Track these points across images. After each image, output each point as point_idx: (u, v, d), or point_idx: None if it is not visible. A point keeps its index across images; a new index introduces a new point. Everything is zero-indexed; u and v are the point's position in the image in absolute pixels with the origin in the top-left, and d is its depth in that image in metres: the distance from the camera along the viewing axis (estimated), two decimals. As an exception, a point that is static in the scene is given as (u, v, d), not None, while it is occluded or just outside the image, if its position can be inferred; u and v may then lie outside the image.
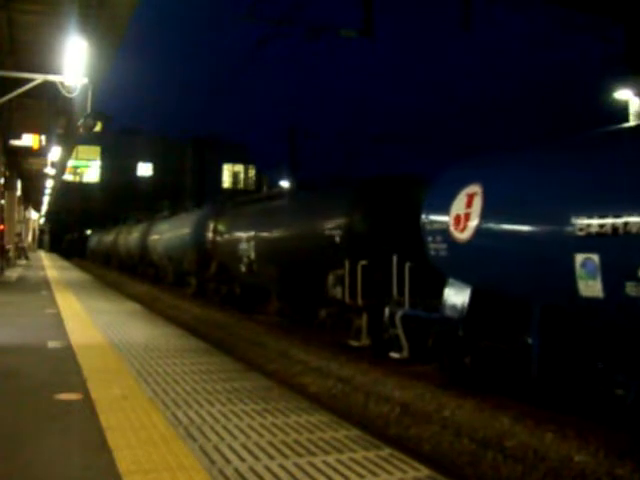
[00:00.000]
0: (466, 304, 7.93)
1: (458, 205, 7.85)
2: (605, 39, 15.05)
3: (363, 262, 10.38)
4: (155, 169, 70.55)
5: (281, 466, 3.97)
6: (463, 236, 7.72)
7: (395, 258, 9.54)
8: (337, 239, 11.17)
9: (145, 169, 71.12)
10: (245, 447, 4.31)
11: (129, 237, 34.38)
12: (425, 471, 3.97)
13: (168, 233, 25.18)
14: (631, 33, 14.53)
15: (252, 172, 72.93)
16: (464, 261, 7.98)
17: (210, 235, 18.97)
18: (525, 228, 7.04)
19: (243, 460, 4.06)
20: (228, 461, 4.03)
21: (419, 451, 6.38)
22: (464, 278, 8.08)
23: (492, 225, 7.43)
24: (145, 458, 4.04)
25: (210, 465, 3.95)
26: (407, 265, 9.27)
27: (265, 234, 14.66)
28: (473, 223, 7.57)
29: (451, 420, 7.24)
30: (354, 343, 10.58)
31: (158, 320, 11.73)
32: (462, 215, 7.76)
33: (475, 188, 7.63)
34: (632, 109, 14.75)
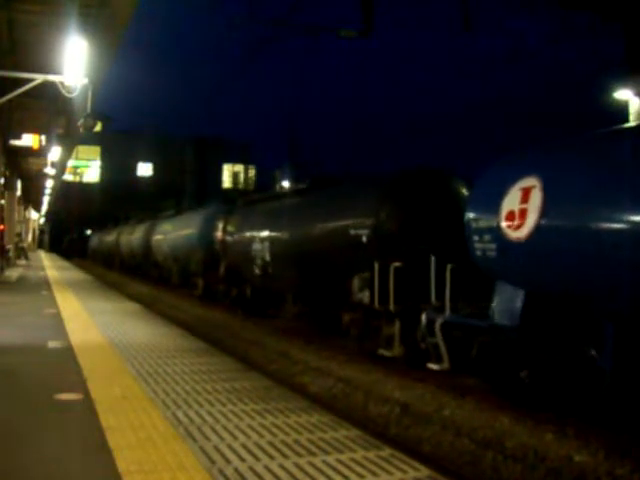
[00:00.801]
0: (519, 310, 7.09)
1: (511, 200, 7.07)
2: (605, 39, 15.06)
3: (396, 264, 9.51)
4: (155, 169, 70.54)
5: (281, 466, 3.97)
6: (518, 234, 6.92)
7: (434, 259, 8.81)
8: (364, 239, 10.29)
9: (145, 169, 71.13)
10: (245, 447, 4.31)
11: (132, 237, 33.38)
12: (425, 471, 3.97)
13: (173, 233, 24.37)
14: (631, 33, 14.53)
15: (252, 172, 72.94)
16: (518, 262, 7.16)
17: (219, 235, 18.01)
18: (597, 225, 6.16)
19: (243, 460, 4.06)
20: (228, 461, 4.03)
21: (419, 451, 6.38)
22: (517, 281, 7.27)
23: (555, 222, 6.61)
24: (145, 458, 4.04)
25: (210, 465, 3.95)
26: (449, 267, 8.35)
27: (282, 234, 13.67)
28: (531, 220, 6.74)
29: (451, 420, 7.25)
30: (386, 353, 9.72)
31: (158, 320, 11.73)
32: (516, 211, 6.96)
33: (532, 181, 6.86)
34: (632, 109, 14.75)
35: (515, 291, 7.22)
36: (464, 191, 10.20)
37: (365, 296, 10.16)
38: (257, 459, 4.08)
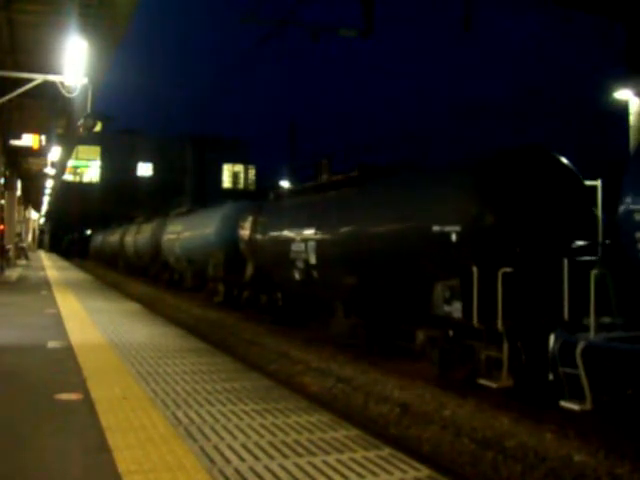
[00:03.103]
0: None
1: None
2: (606, 39, 15.06)
3: (506, 269, 7.53)
4: (155, 169, 70.55)
5: (281, 466, 3.97)
6: None
7: (566, 262, 7.17)
8: (453, 237, 8.26)
9: (145, 169, 71.13)
10: (245, 447, 4.31)
11: (138, 237, 31.21)
12: (425, 471, 3.97)
13: (187, 232, 22.12)
14: (631, 33, 14.53)
15: (252, 172, 72.95)
16: None
17: (246, 234, 15.75)
18: None
19: (243, 460, 4.06)
20: (228, 461, 4.03)
21: (419, 451, 6.38)
22: None
23: None
24: (145, 458, 4.04)
25: (210, 465, 3.95)
26: (593, 273, 6.60)
27: (332, 232, 11.53)
28: None
29: (451, 420, 7.24)
30: (491, 384, 7.71)
31: (158, 320, 11.72)
32: None
33: None
34: (632, 109, 14.74)
35: None
36: (578, 174, 8.59)
37: (455, 309, 8.25)
38: (257, 459, 4.08)
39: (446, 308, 8.42)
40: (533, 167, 8.36)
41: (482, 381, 7.85)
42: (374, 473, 3.90)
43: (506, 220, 8.06)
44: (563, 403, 6.67)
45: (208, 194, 53.82)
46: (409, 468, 4.00)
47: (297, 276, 12.67)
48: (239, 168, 72.84)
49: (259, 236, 14.98)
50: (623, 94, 15.00)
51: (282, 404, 5.48)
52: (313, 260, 11.97)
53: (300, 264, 12.43)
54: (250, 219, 15.70)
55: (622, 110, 15.09)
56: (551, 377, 6.88)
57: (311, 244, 12.06)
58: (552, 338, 6.85)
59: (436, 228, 8.60)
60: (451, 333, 8.50)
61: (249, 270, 15.70)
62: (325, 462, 4.06)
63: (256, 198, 21.19)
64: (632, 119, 14.71)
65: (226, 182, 72.23)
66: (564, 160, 8.63)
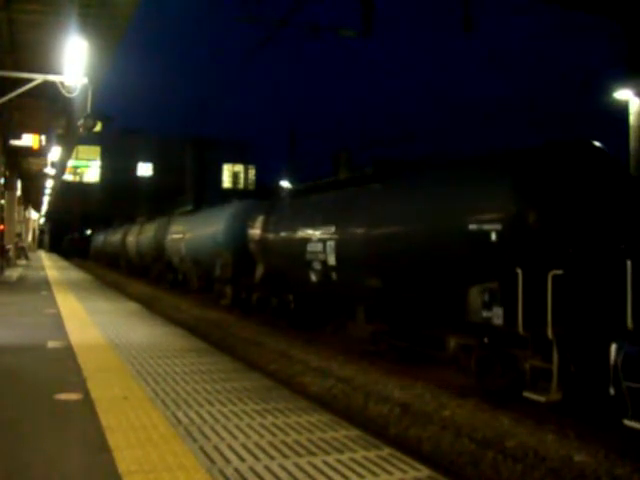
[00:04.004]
0: None
1: None
2: (605, 39, 15.06)
3: (556, 271, 6.90)
4: (155, 169, 70.56)
5: (281, 466, 3.97)
6: None
7: (630, 264, 6.61)
8: (493, 236, 7.62)
9: (145, 169, 71.13)
10: (245, 447, 4.31)
11: (141, 237, 30.35)
12: (425, 471, 3.97)
13: (193, 232, 21.29)
14: (631, 33, 14.53)
15: (252, 172, 72.98)
16: None
17: (256, 233, 14.91)
18: None
19: (243, 460, 4.06)
20: (228, 461, 4.03)
21: (419, 451, 6.38)
22: None
23: None
24: (145, 458, 4.04)
25: (210, 465, 3.95)
26: None
27: (353, 231, 10.82)
28: None
29: (451, 420, 7.24)
30: (536, 397, 7.01)
31: (158, 320, 11.72)
32: None
33: None
34: (632, 109, 14.75)
35: None
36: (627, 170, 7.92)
37: (496, 315, 7.58)
38: (257, 459, 4.08)
39: (484, 314, 7.73)
40: (582, 161, 7.83)
41: (528, 394, 7.11)
42: (374, 473, 3.90)
43: (555, 218, 7.42)
44: (627, 422, 6.08)
45: (208, 194, 53.82)
46: (409, 468, 4.00)
47: (313, 278, 11.92)
48: (239, 168, 72.84)
49: (271, 236, 14.18)
50: (623, 94, 15.00)
51: (282, 404, 5.48)
52: (332, 261, 11.23)
53: (317, 265, 11.71)
54: (261, 218, 14.87)
55: (622, 110, 15.10)
56: (612, 392, 6.32)
57: (330, 244, 11.32)
58: (613, 348, 6.32)
59: (473, 227, 7.93)
60: (487, 340, 7.90)
61: (259, 271, 14.90)
62: (325, 462, 4.06)
63: (257, 198, 20.61)
64: (632, 119, 14.72)
65: (226, 182, 72.24)
66: (611, 155, 8.14)
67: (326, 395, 8.70)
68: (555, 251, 7.25)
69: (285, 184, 40.97)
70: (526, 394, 7.14)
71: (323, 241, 11.51)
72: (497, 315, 7.55)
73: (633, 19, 14.43)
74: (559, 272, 6.90)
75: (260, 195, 22.58)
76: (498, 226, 7.58)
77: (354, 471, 3.92)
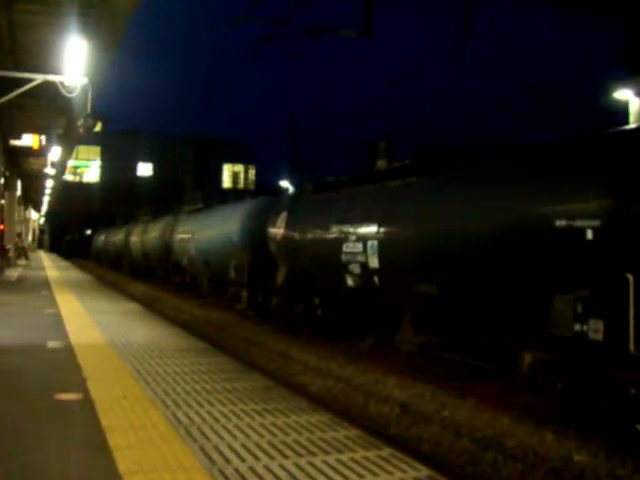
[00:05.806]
0: None
1: None
2: (605, 39, 15.08)
3: None
4: (155, 169, 70.57)
5: (281, 466, 3.97)
6: None
7: None
8: (588, 234, 6.30)
9: (145, 169, 71.15)
10: (245, 447, 4.31)
11: (145, 236, 29.11)
12: (425, 471, 3.97)
13: (204, 231, 20.00)
14: (631, 33, 14.53)
15: (252, 172, 73.00)
16: None
17: (278, 232, 13.55)
18: None
19: (243, 460, 4.06)
20: (228, 461, 4.03)
21: (419, 451, 6.38)
22: None
23: None
24: (145, 458, 4.04)
25: (210, 465, 3.95)
26: None
27: (403, 230, 9.58)
28: None
29: (451, 420, 7.24)
30: None
31: (158, 320, 11.72)
32: None
33: None
34: (632, 109, 14.75)
35: None
36: None
37: (593, 329, 6.33)
38: (257, 459, 4.08)
39: (577, 327, 6.47)
40: None
41: None
42: (374, 473, 3.90)
43: None
44: None
45: (208, 194, 53.79)
46: (409, 468, 4.00)
47: (350, 282, 10.67)
48: (239, 168, 72.85)
49: (297, 235, 12.75)
50: (623, 94, 15.00)
51: (282, 404, 5.48)
52: (374, 264, 9.95)
53: (355, 268, 10.46)
54: (284, 215, 13.46)
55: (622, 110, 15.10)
56: None
57: (372, 244, 10.00)
58: None
59: (560, 223, 6.61)
60: (574, 358, 6.71)
61: (281, 275, 13.53)
62: (325, 462, 4.06)
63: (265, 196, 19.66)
64: (632, 119, 14.72)
65: (226, 182, 72.26)
66: None
67: (326, 395, 8.69)
68: None
69: (285, 184, 40.94)
70: None
71: (363, 241, 10.23)
72: (595, 329, 6.32)
73: (633, 19, 14.43)
74: None
75: (259, 195, 22.16)
76: (596, 222, 6.26)
77: (354, 471, 3.92)
